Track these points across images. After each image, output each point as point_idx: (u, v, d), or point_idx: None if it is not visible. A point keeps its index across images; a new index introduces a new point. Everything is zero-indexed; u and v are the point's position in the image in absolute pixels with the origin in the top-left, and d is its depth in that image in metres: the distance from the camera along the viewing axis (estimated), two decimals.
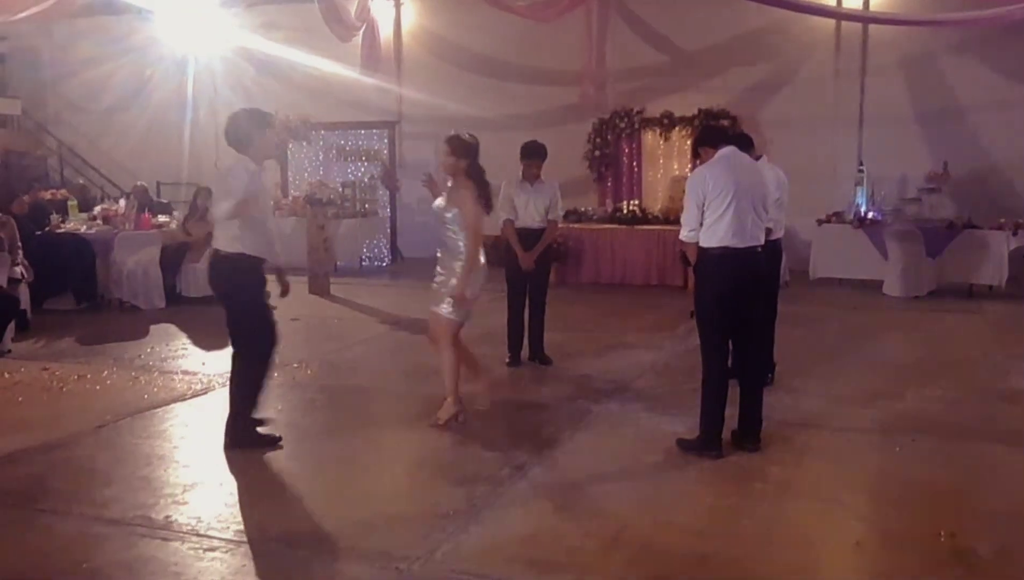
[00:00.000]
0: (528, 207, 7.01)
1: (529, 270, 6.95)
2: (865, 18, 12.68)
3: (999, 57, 12.13)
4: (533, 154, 6.99)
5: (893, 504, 4.34)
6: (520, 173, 7.01)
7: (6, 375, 6.83)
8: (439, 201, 5.46)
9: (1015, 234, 10.71)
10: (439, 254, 5.52)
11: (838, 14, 12.77)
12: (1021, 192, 11.97)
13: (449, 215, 5.33)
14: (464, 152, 5.35)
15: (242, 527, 4.02)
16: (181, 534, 3.95)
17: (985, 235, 10.76)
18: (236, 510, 4.22)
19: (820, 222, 11.75)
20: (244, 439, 5.04)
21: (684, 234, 5.07)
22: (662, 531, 3.99)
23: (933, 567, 3.64)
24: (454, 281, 5.32)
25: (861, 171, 12.15)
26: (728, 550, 3.79)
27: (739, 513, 4.20)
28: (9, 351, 7.64)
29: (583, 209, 12.45)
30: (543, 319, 7.18)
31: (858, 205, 11.79)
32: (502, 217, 6.86)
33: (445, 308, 5.37)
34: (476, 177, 5.34)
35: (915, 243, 10.76)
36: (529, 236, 6.98)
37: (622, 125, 13.70)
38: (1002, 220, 10.86)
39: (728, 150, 5.08)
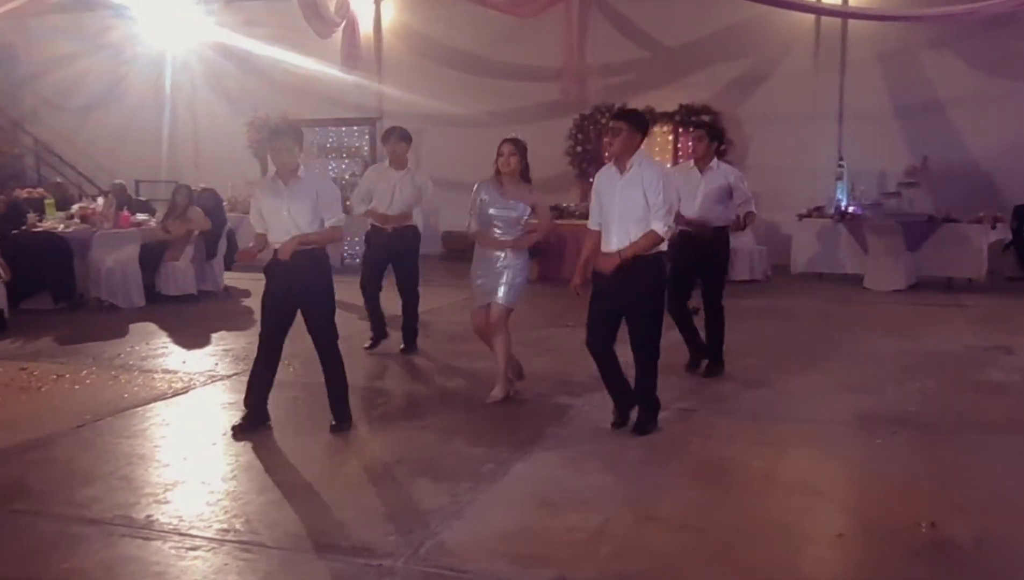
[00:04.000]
0: None
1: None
2: (844, 13, 12.74)
3: (977, 52, 12.21)
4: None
5: (874, 495, 4.37)
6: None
7: None
8: (495, 196, 5.74)
9: (994, 228, 10.82)
10: (482, 255, 5.84)
11: (817, 9, 12.83)
12: (1000, 186, 12.05)
13: (515, 214, 5.75)
14: (524, 153, 5.78)
15: (224, 526, 3.99)
16: (163, 533, 3.92)
17: (964, 229, 10.85)
18: (218, 509, 4.19)
19: (800, 217, 11.81)
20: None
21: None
22: (645, 525, 4.00)
23: (915, 557, 3.67)
24: (504, 274, 5.75)
25: (841, 166, 12.23)
26: (711, 543, 3.80)
27: (721, 506, 4.22)
28: None
29: (565, 205, 12.45)
30: None
31: (838, 200, 11.87)
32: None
33: (502, 297, 5.75)
34: (527, 175, 5.85)
35: (895, 237, 10.83)
36: None
37: (603, 121, 13.67)
38: (981, 214, 10.94)
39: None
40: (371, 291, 7.58)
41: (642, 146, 5.24)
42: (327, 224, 5.24)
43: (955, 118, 12.40)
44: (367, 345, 7.59)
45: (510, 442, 5.10)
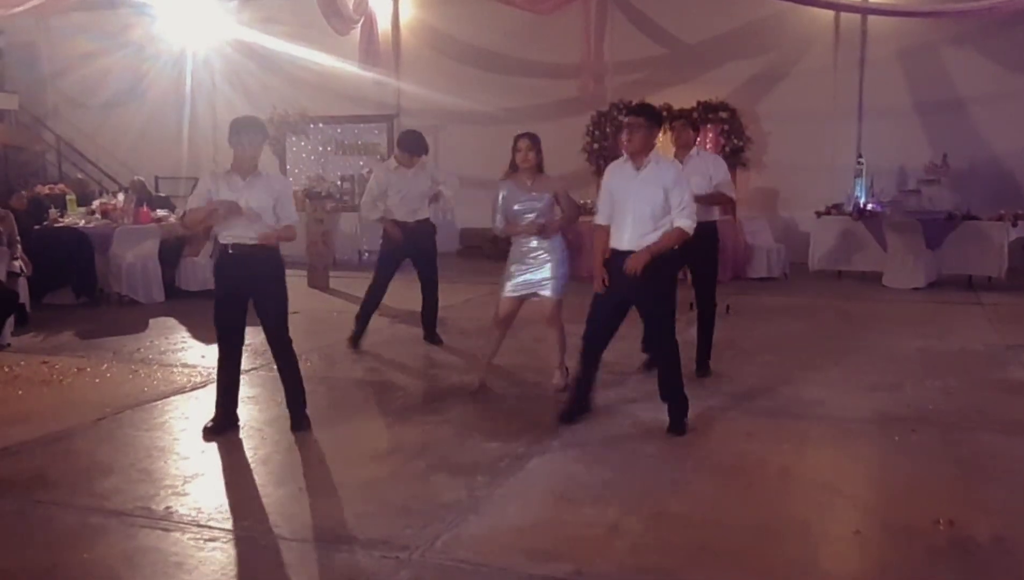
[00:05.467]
0: None
1: None
2: (864, 9, 12.66)
3: (998, 48, 12.11)
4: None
5: (893, 494, 4.35)
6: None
7: (6, 369, 6.83)
8: (517, 192, 5.82)
9: (1015, 225, 10.72)
10: (522, 249, 5.88)
11: (837, 6, 12.74)
12: (1020, 183, 11.96)
13: (540, 204, 5.85)
14: (540, 147, 5.89)
15: (243, 518, 4.02)
16: (182, 525, 3.95)
17: (984, 226, 10.76)
18: (236, 501, 4.22)
19: (819, 214, 11.75)
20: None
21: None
22: (661, 520, 3.99)
23: (932, 556, 3.65)
24: (547, 267, 5.86)
25: (860, 163, 12.14)
26: (727, 540, 3.79)
27: (738, 502, 4.20)
28: (9, 345, 7.64)
29: (582, 202, 12.40)
30: None
31: (857, 197, 11.79)
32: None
33: (550, 290, 5.87)
34: (542, 168, 5.98)
35: (914, 235, 10.76)
36: None
37: (621, 118, 13.65)
38: (1002, 211, 10.86)
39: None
40: (380, 292, 7.57)
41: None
42: (283, 223, 5.22)
43: (975, 115, 12.29)
44: (351, 342, 7.54)
45: (527, 437, 5.11)
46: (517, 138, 5.88)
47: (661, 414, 5.36)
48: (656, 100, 13.16)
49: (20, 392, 6.24)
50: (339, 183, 14.08)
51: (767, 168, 13.14)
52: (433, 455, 4.89)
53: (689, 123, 6.64)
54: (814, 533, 3.91)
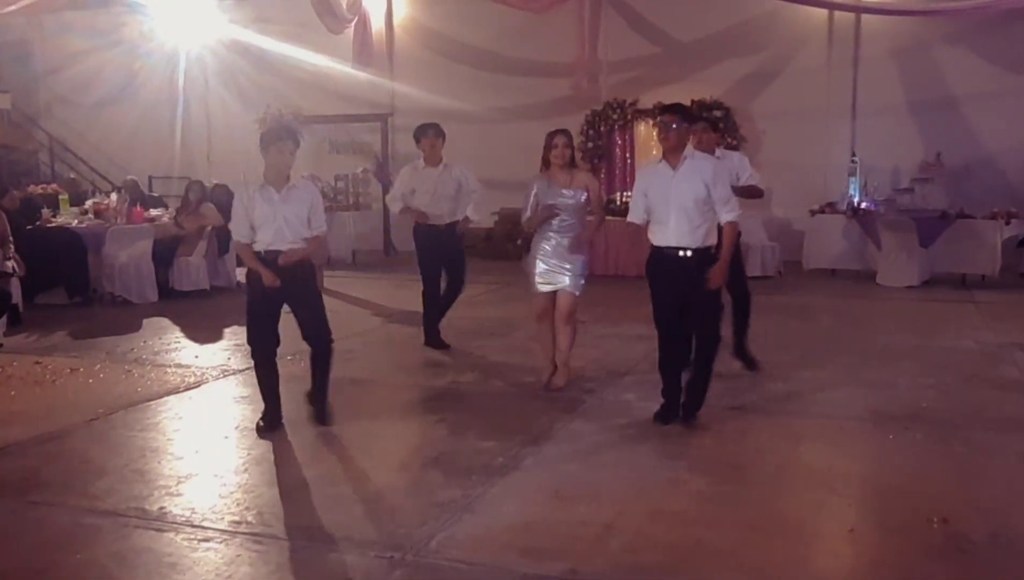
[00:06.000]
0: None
1: None
2: (857, 8, 12.68)
3: (991, 47, 12.13)
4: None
5: (886, 491, 4.35)
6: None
7: None
8: (550, 188, 5.84)
9: (1008, 224, 10.74)
10: (547, 242, 5.89)
11: (831, 4, 12.77)
12: (1014, 182, 11.98)
13: (572, 201, 5.86)
14: (573, 143, 6.00)
15: (236, 518, 4.01)
16: (175, 525, 3.94)
17: (978, 225, 10.79)
18: (230, 501, 4.21)
19: (813, 213, 11.77)
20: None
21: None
22: (656, 519, 3.99)
23: (926, 553, 3.65)
24: (569, 266, 5.87)
25: (854, 161, 12.17)
26: (722, 538, 3.79)
27: (733, 501, 4.21)
28: (1, 345, 7.61)
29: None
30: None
31: (851, 195, 11.82)
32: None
33: (571, 285, 5.88)
34: (575, 162, 6.09)
35: (908, 233, 10.78)
36: None
37: (615, 117, 13.66)
38: (995, 210, 10.87)
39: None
40: (436, 294, 7.49)
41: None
42: (314, 232, 5.31)
43: (969, 114, 12.32)
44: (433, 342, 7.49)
45: (522, 436, 5.10)
46: (552, 135, 5.91)
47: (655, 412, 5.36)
48: (650, 99, 13.26)
49: (13, 393, 6.22)
50: (333, 182, 14.06)
51: (761, 167, 12.91)
52: (427, 454, 4.88)
53: (710, 124, 6.61)
54: (808, 531, 3.91)
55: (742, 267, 6.60)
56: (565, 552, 3.63)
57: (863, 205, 11.49)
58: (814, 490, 4.35)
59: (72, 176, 15.07)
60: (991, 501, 4.18)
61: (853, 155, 12.35)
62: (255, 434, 5.22)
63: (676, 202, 5.11)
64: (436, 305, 7.51)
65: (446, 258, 7.45)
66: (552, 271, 5.93)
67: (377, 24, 14.80)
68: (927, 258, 10.87)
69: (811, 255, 11.69)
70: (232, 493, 4.32)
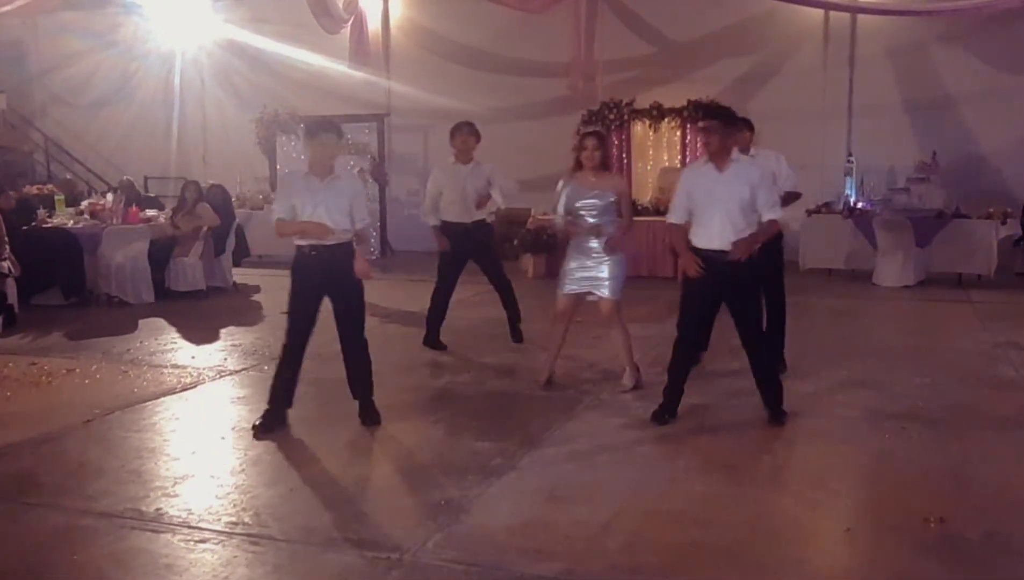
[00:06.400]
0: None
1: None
2: (854, 8, 12.69)
3: (987, 47, 12.15)
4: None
5: (883, 491, 4.36)
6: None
7: None
8: (579, 190, 5.81)
9: (1004, 223, 10.77)
10: (580, 249, 5.88)
11: (827, 4, 12.78)
12: (1010, 181, 12.01)
13: (601, 202, 5.80)
14: (604, 144, 5.93)
15: (233, 519, 4.01)
16: (172, 526, 3.94)
17: (974, 224, 10.81)
18: (227, 502, 4.21)
19: (809, 213, 11.75)
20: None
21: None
22: (653, 519, 4.00)
23: (923, 552, 3.66)
24: (605, 267, 5.84)
25: (850, 161, 12.19)
26: (719, 537, 3.79)
27: (730, 500, 4.21)
28: None
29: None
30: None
31: (847, 195, 11.84)
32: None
33: (608, 292, 5.86)
34: (607, 164, 6.05)
35: (904, 233, 10.80)
36: None
37: (611, 117, 13.62)
38: (991, 209, 10.90)
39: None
40: (446, 296, 7.48)
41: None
42: (358, 226, 5.32)
43: (965, 114, 12.34)
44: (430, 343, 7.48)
45: (519, 436, 5.10)
46: (584, 136, 5.90)
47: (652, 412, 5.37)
48: (646, 99, 13.30)
49: (9, 394, 6.20)
50: None
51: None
52: (424, 455, 4.88)
53: (746, 123, 6.50)
54: (805, 531, 3.92)
55: (782, 276, 6.56)
56: (562, 552, 3.63)
57: (859, 205, 11.51)
58: (810, 490, 4.36)
59: (68, 177, 15.07)
60: (987, 501, 4.19)
61: (849, 155, 12.37)
62: (251, 435, 5.20)
63: (721, 205, 5.13)
64: (445, 304, 7.48)
65: (475, 255, 7.44)
66: (587, 278, 5.91)
67: (373, 24, 14.78)
68: (923, 258, 10.89)
69: (807, 255, 11.69)
70: (229, 494, 4.32)
